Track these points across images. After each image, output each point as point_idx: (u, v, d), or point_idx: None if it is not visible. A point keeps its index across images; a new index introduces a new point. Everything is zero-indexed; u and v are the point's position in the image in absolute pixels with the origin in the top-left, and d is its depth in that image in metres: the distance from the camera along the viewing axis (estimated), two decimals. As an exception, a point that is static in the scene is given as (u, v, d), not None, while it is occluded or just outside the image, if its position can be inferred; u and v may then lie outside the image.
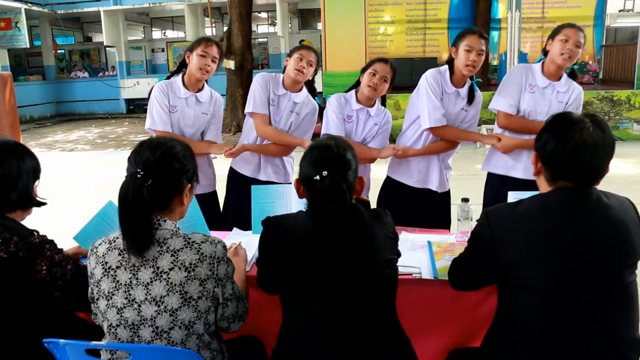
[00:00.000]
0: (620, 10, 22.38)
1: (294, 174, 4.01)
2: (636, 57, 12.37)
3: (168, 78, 3.91)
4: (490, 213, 2.11)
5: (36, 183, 2.40)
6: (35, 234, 2.23)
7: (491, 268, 2.08)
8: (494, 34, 15.33)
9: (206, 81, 3.93)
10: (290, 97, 3.88)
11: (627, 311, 1.96)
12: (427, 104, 3.69)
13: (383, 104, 3.97)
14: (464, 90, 3.74)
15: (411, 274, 2.58)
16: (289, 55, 3.84)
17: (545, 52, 3.68)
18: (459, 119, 3.80)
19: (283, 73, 3.92)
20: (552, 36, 3.60)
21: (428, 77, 3.73)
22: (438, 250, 2.79)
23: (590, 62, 15.36)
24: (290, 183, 3.93)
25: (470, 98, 3.75)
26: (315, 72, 3.89)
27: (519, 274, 1.97)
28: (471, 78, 3.76)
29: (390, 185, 4.04)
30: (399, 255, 2.23)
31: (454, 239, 3.02)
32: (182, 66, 3.89)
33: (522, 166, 3.74)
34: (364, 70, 3.77)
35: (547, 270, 1.92)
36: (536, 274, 1.93)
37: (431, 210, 3.93)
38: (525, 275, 1.95)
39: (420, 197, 3.91)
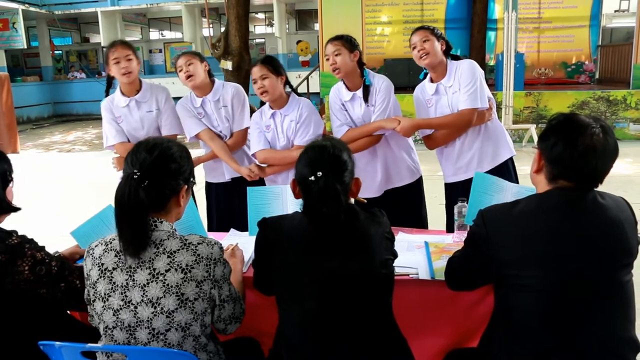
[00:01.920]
0: (615, 11, 22.39)
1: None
2: (632, 57, 12.37)
3: (107, 94, 4.03)
4: (487, 213, 2.11)
5: (10, 186, 2.34)
6: (14, 234, 2.19)
7: (487, 268, 2.09)
8: (491, 34, 15.31)
9: (140, 81, 4.03)
10: (206, 99, 3.98)
11: (624, 311, 1.96)
12: (331, 120, 3.84)
13: (294, 90, 3.95)
14: (359, 91, 3.77)
15: (408, 275, 2.58)
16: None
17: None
18: (372, 116, 3.77)
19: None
20: (410, 47, 3.71)
21: (329, 96, 3.90)
22: (435, 251, 2.80)
23: (586, 62, 15.35)
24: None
25: (365, 94, 3.75)
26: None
27: (515, 273, 1.97)
28: (363, 74, 3.76)
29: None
30: (395, 255, 2.23)
31: (451, 239, 3.03)
32: (110, 80, 4.00)
33: (464, 166, 3.81)
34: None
35: (543, 270, 1.93)
36: (532, 274, 1.94)
37: (400, 206, 3.86)
38: (521, 275, 1.96)
39: (386, 200, 3.85)
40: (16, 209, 2.34)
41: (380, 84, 3.75)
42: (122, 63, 3.76)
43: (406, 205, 3.93)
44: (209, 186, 4.29)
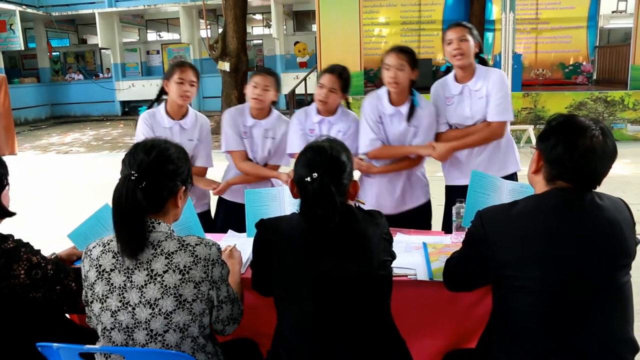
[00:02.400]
0: (613, 12, 22.44)
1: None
2: (629, 57, 12.41)
3: (150, 107, 3.92)
4: (485, 214, 2.11)
5: (5, 190, 2.31)
6: (10, 238, 2.18)
7: (486, 269, 2.09)
8: (488, 35, 15.36)
9: (190, 104, 3.93)
10: (260, 124, 3.87)
11: (622, 311, 1.97)
12: (360, 130, 3.73)
13: (348, 106, 3.92)
14: (404, 108, 3.67)
15: (406, 276, 2.58)
16: (248, 82, 3.85)
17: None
18: (409, 136, 3.72)
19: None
20: (443, 40, 3.66)
21: (364, 103, 3.76)
22: (433, 252, 2.80)
23: (584, 63, 15.39)
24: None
25: (410, 114, 3.66)
26: (277, 94, 3.84)
27: (513, 274, 1.97)
28: (412, 93, 3.67)
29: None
30: (393, 256, 2.23)
31: (449, 240, 3.03)
32: (161, 93, 3.90)
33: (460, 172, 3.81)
34: (318, 81, 3.77)
35: (542, 270, 1.93)
36: (530, 275, 1.94)
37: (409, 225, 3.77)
38: (519, 276, 1.96)
39: (396, 220, 3.72)
40: (11, 214, 2.32)
41: (428, 108, 3.71)
42: (185, 86, 3.69)
43: (417, 224, 3.85)
44: (220, 201, 4.15)
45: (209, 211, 4.19)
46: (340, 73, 3.70)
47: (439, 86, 3.81)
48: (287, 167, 3.49)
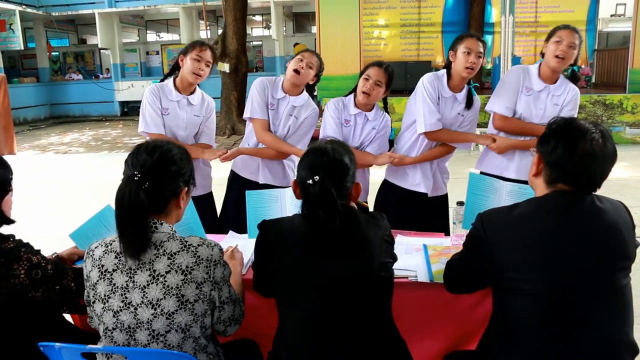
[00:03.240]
0: (612, 15, 22.41)
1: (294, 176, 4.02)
2: (628, 61, 12.43)
3: (162, 80, 3.91)
4: (485, 216, 2.11)
5: (7, 196, 2.29)
6: (10, 238, 2.18)
7: (486, 271, 2.09)
8: (488, 37, 15.37)
9: (198, 85, 3.93)
10: (289, 100, 3.88)
11: (622, 314, 1.97)
12: (422, 109, 3.69)
13: (385, 107, 3.97)
14: (461, 95, 3.73)
15: (407, 277, 2.59)
16: (293, 58, 3.85)
17: (543, 55, 3.69)
18: (456, 124, 3.79)
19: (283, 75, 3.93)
20: (548, 38, 3.62)
21: (425, 82, 3.72)
22: (434, 254, 2.80)
23: (582, 66, 15.39)
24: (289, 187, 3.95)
25: (469, 103, 3.74)
26: (317, 78, 3.88)
27: (513, 277, 1.98)
28: (469, 83, 3.75)
29: (386, 188, 4.05)
30: (395, 258, 2.23)
31: (450, 242, 3.03)
32: (174, 69, 3.89)
33: (514, 167, 3.78)
34: (361, 73, 3.77)
35: (542, 273, 1.93)
36: (531, 277, 1.94)
37: (428, 214, 3.92)
38: (519, 279, 1.96)
39: (415, 200, 3.90)
40: (10, 222, 2.30)
41: (478, 102, 3.81)
42: (201, 64, 3.70)
43: (437, 213, 3.99)
44: (234, 178, 4.17)
45: (211, 194, 4.19)
46: (387, 68, 3.74)
47: (519, 71, 3.79)
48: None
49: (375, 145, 3.85)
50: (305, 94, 3.97)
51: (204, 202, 3.87)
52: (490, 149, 3.79)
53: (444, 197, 4.06)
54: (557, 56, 3.54)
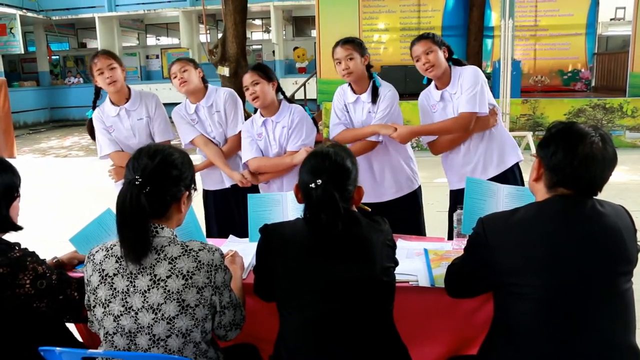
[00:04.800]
0: (611, 19, 22.50)
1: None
2: (628, 64, 12.43)
3: (94, 107, 4.01)
4: (487, 221, 2.11)
5: (15, 202, 2.30)
6: (16, 247, 2.18)
7: (487, 276, 2.09)
8: (488, 41, 15.35)
9: (128, 87, 4.00)
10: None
11: (623, 318, 1.96)
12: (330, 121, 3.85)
13: (288, 100, 3.92)
14: (365, 95, 3.76)
15: (408, 282, 2.58)
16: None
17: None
18: (372, 122, 3.75)
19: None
20: (411, 57, 3.69)
21: (334, 96, 3.89)
22: (435, 258, 2.79)
23: (582, 70, 15.39)
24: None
25: (374, 96, 3.73)
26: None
27: (514, 281, 1.97)
28: (371, 77, 3.77)
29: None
30: (396, 263, 2.23)
31: (450, 246, 3.02)
32: (97, 92, 3.99)
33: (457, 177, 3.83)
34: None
35: (543, 277, 1.93)
36: (532, 282, 1.94)
37: (397, 218, 3.79)
38: (521, 283, 1.96)
39: (378, 209, 3.59)
40: (17, 228, 2.31)
41: (386, 92, 3.75)
42: (105, 73, 3.75)
43: (405, 215, 3.90)
44: (207, 194, 4.25)
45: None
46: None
47: (423, 97, 3.86)
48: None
49: (291, 140, 3.77)
50: (210, 89, 4.05)
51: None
52: (393, 139, 3.71)
53: (412, 196, 3.99)
54: (426, 69, 3.60)
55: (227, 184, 4.09)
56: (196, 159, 4.03)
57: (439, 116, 3.74)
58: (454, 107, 3.66)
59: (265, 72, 3.72)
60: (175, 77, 3.86)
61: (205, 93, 4.00)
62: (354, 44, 3.69)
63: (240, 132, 3.98)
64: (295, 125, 3.75)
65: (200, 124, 4.00)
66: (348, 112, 3.84)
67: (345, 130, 3.82)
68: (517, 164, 3.80)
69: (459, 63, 3.72)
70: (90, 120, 4.03)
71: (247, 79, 3.68)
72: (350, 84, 3.82)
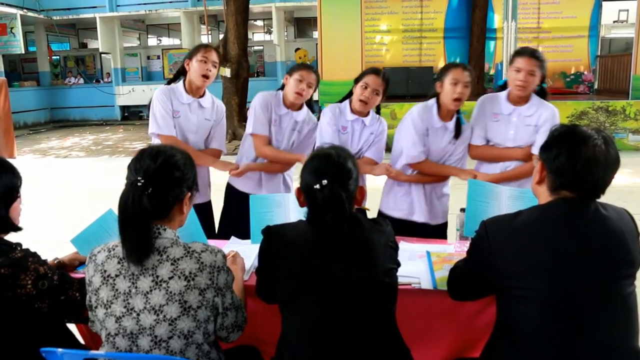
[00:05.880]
0: (614, 21, 22.52)
1: (294, 186, 4.00)
2: (631, 67, 12.43)
3: (168, 84, 3.90)
4: (489, 224, 2.11)
5: (16, 203, 2.29)
6: (18, 247, 2.17)
7: (490, 279, 2.08)
8: (490, 43, 15.39)
9: (207, 88, 3.92)
10: (292, 115, 3.88)
11: (626, 321, 1.96)
12: (407, 140, 3.70)
13: (378, 112, 3.94)
14: (451, 124, 3.69)
15: (410, 284, 2.57)
16: (289, 73, 3.84)
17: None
18: (447, 153, 3.75)
19: (281, 89, 3.91)
20: (510, 63, 3.61)
21: (413, 113, 3.71)
22: (437, 260, 2.79)
23: (585, 72, 15.43)
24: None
25: (457, 132, 3.70)
26: (315, 91, 3.89)
27: (517, 284, 1.97)
28: (457, 112, 3.71)
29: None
30: (398, 264, 2.23)
31: (453, 249, 3.02)
32: (179, 74, 3.88)
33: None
34: (357, 80, 3.75)
35: (545, 280, 1.92)
36: (535, 285, 1.93)
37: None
38: (523, 286, 1.95)
39: (411, 230, 3.70)
40: (18, 229, 2.30)
41: (467, 129, 3.77)
42: (208, 64, 3.70)
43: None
44: (233, 191, 4.13)
45: (209, 202, 4.17)
46: (384, 75, 3.73)
47: (487, 100, 3.79)
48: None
49: (373, 149, 3.84)
50: (305, 108, 3.97)
51: (202, 211, 3.82)
52: None
53: (443, 227, 3.98)
54: (518, 85, 3.53)
55: (265, 192, 3.96)
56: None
57: (496, 127, 3.69)
58: (516, 130, 3.64)
59: (387, 87, 3.74)
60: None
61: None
62: (469, 71, 3.63)
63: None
64: (382, 136, 3.88)
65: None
66: (428, 136, 3.71)
67: (428, 162, 3.73)
68: None
69: (542, 91, 3.67)
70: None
71: (374, 82, 3.67)
72: (438, 107, 3.70)
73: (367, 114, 3.81)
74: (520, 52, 3.58)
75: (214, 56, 3.74)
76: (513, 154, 3.67)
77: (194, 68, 3.71)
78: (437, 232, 3.85)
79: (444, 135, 3.71)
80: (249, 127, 3.89)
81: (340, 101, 3.90)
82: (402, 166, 3.81)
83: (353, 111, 3.78)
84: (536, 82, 3.54)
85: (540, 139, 3.47)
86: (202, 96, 3.86)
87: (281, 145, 3.92)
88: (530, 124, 3.62)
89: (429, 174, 3.79)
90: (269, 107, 3.86)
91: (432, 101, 3.71)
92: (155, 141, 3.80)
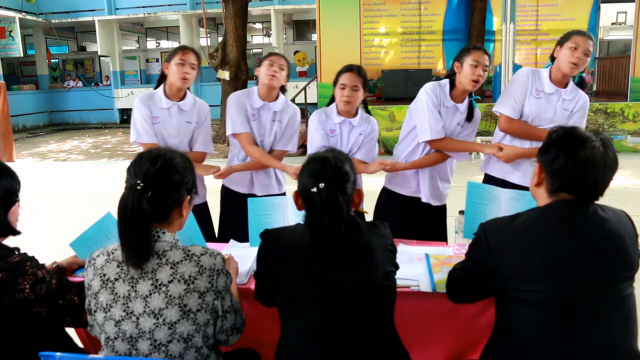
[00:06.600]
0: (612, 23, 22.51)
1: (286, 181, 4.00)
2: (629, 69, 12.45)
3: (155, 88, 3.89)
4: (488, 226, 2.11)
5: (14, 207, 2.29)
6: (15, 252, 2.17)
7: (489, 281, 2.08)
8: (489, 45, 15.39)
9: (189, 89, 3.92)
10: (269, 107, 3.90)
11: (626, 323, 1.96)
12: (428, 116, 3.67)
13: (366, 108, 3.94)
14: (462, 106, 3.72)
15: (409, 287, 2.57)
16: (259, 64, 3.88)
17: (552, 59, 3.67)
18: (454, 134, 3.77)
19: (257, 85, 3.92)
20: (561, 43, 3.59)
21: (428, 90, 3.70)
22: (436, 263, 2.79)
23: (583, 74, 15.43)
24: (284, 194, 3.94)
25: (470, 115, 3.74)
26: (287, 78, 3.89)
27: (516, 287, 1.97)
28: (470, 95, 3.74)
29: (385, 195, 4.05)
30: (397, 267, 2.23)
31: (452, 251, 3.02)
32: (162, 78, 3.86)
33: (520, 172, 3.76)
34: (334, 83, 3.74)
35: (544, 283, 1.92)
36: (533, 287, 1.93)
37: (426, 223, 3.92)
38: (522, 289, 1.95)
39: (415, 207, 3.89)
40: (16, 233, 2.30)
41: (478, 113, 3.80)
42: (186, 67, 3.67)
43: (435, 225, 3.98)
44: (228, 193, 4.15)
45: (205, 203, 4.15)
46: (358, 70, 3.71)
47: (530, 73, 3.76)
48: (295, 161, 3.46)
49: (363, 150, 3.82)
50: (282, 97, 3.99)
51: (199, 213, 3.82)
52: (497, 158, 3.75)
53: (442, 209, 4.02)
54: (572, 63, 3.52)
55: (259, 192, 3.97)
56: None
57: (537, 104, 3.68)
58: (556, 110, 3.66)
59: (366, 80, 3.74)
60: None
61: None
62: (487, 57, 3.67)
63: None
64: (373, 136, 3.84)
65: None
66: (440, 114, 3.73)
67: (449, 139, 3.75)
68: None
69: (582, 82, 3.74)
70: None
71: (351, 80, 3.66)
72: (451, 87, 3.73)
73: (355, 114, 3.80)
74: (577, 32, 3.58)
75: (192, 58, 3.71)
76: (538, 132, 3.67)
77: (173, 71, 3.69)
78: (436, 213, 3.97)
79: (454, 115, 3.74)
80: (228, 129, 3.91)
81: (327, 105, 3.89)
82: (407, 150, 3.88)
83: (340, 113, 3.77)
84: (586, 65, 3.58)
85: (571, 124, 3.51)
86: (182, 99, 3.84)
87: (264, 139, 3.93)
88: (567, 108, 3.66)
89: (450, 150, 3.80)
90: (243, 104, 3.89)
91: (445, 81, 3.73)
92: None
